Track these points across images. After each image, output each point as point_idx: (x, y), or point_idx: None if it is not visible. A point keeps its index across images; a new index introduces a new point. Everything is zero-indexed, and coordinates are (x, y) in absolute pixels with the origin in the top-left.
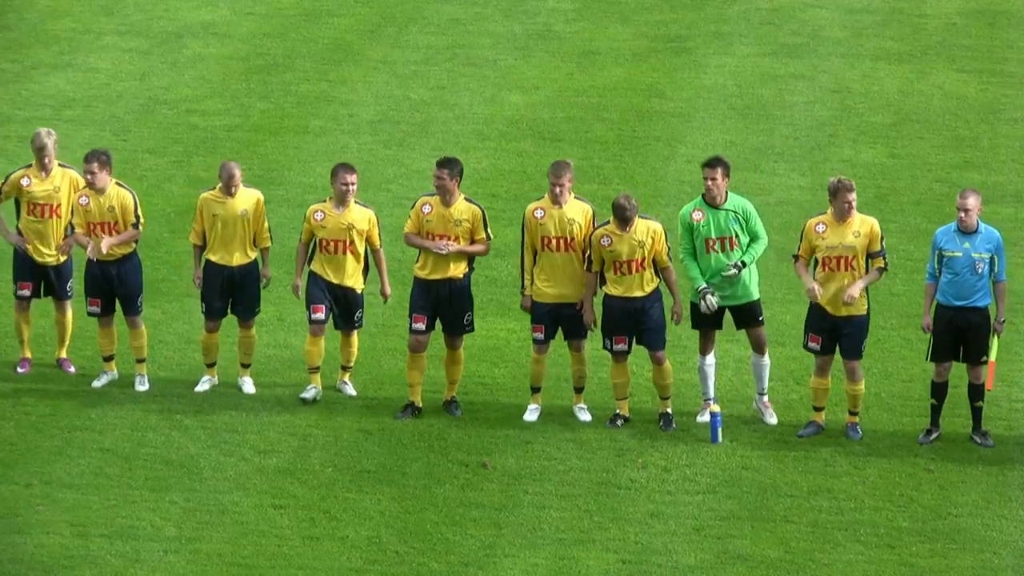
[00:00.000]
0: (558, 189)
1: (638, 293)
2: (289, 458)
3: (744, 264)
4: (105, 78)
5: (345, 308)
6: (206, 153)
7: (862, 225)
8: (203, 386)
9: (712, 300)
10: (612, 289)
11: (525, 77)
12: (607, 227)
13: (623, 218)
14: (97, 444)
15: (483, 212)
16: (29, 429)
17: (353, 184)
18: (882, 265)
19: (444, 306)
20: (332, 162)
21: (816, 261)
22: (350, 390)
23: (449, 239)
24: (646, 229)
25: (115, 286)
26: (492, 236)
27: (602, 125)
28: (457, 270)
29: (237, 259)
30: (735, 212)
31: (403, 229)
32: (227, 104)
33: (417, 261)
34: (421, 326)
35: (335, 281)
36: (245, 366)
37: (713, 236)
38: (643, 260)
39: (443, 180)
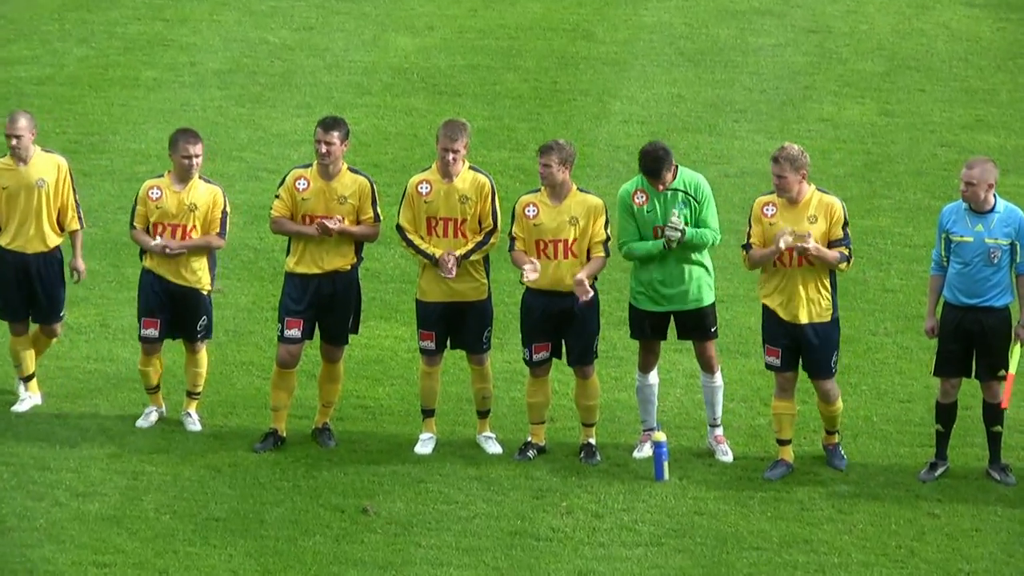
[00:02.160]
0: (450, 156)
1: (566, 287)
2: (115, 503)
3: (683, 234)
4: None
5: (186, 314)
6: (5, 112)
7: (819, 207)
8: (23, 405)
9: (676, 221)
10: (535, 281)
11: (415, 14)
12: (536, 195)
13: (542, 150)
14: None
15: (372, 185)
16: None
17: (198, 156)
18: (846, 252)
19: (325, 308)
20: (170, 124)
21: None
22: (194, 424)
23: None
24: (582, 201)
25: None
26: (381, 216)
27: (514, 75)
28: (344, 260)
29: (34, 245)
30: (684, 192)
31: (266, 210)
32: (35, 50)
33: (288, 251)
34: (296, 332)
35: (172, 280)
36: (24, 380)
37: (661, 223)
38: (574, 243)
39: (332, 145)
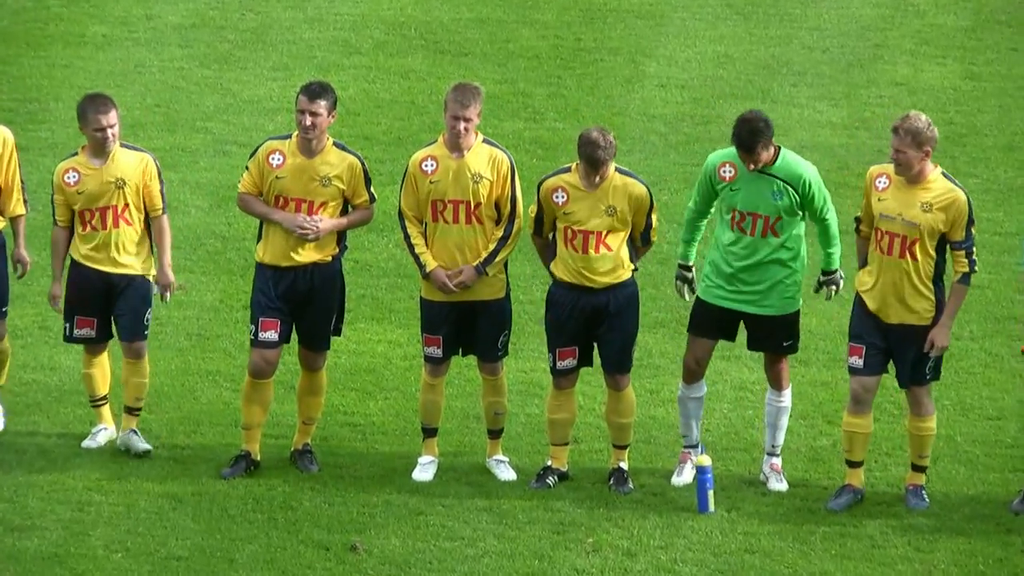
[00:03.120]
0: (460, 127)
1: (601, 278)
2: (57, 538)
3: (836, 272)
4: None
5: (125, 310)
6: None
7: (941, 196)
8: None
9: (686, 291)
10: (561, 271)
11: None
12: (566, 175)
13: (592, 161)
14: None
15: (363, 164)
16: None
17: (112, 127)
18: (966, 269)
19: (301, 306)
20: (122, 88)
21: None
22: (139, 443)
23: (313, 206)
24: (623, 187)
25: None
26: (376, 197)
27: (530, 31)
28: (323, 251)
29: None
30: (783, 181)
31: (235, 191)
32: None
33: (259, 238)
34: (272, 335)
35: (107, 270)
36: None
37: (741, 208)
38: (608, 233)
39: (317, 117)
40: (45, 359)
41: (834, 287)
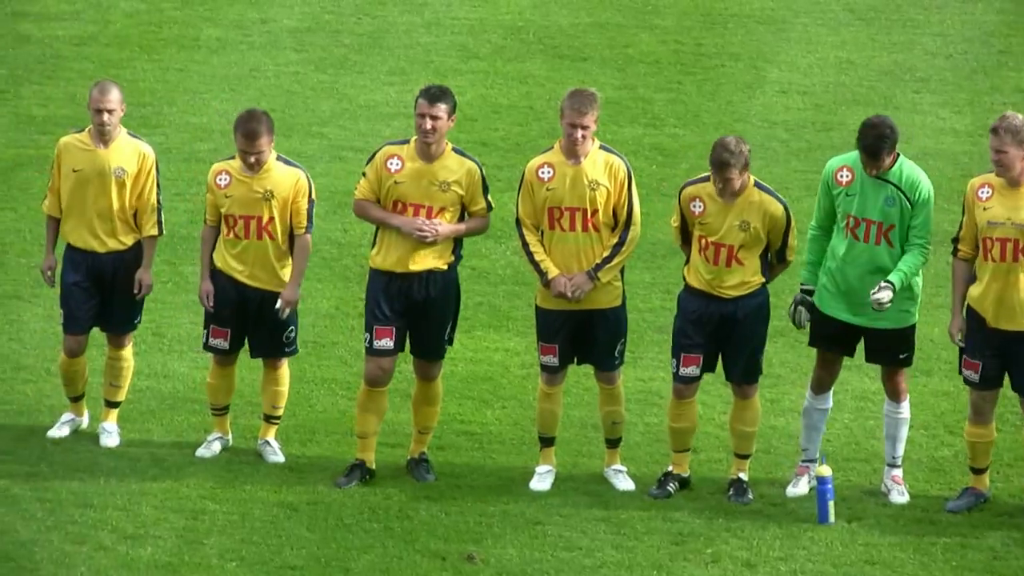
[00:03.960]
0: (577, 134)
1: (730, 291)
2: (171, 547)
3: (893, 286)
4: None
5: (263, 328)
6: (42, 79)
7: None
8: (60, 430)
9: (803, 317)
10: (693, 278)
11: None
12: (703, 185)
13: (717, 163)
14: None
15: (482, 171)
16: None
17: (260, 154)
18: None
19: (417, 314)
20: (236, 93)
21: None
22: (275, 454)
23: (432, 212)
24: (759, 204)
25: None
26: (493, 205)
27: (650, 36)
28: (439, 259)
29: (104, 243)
30: (896, 187)
31: (352, 197)
32: (75, 4)
33: (374, 244)
34: (387, 343)
35: (243, 281)
36: (111, 404)
37: (855, 214)
38: (741, 248)
39: (438, 120)
40: (159, 366)
41: (886, 304)
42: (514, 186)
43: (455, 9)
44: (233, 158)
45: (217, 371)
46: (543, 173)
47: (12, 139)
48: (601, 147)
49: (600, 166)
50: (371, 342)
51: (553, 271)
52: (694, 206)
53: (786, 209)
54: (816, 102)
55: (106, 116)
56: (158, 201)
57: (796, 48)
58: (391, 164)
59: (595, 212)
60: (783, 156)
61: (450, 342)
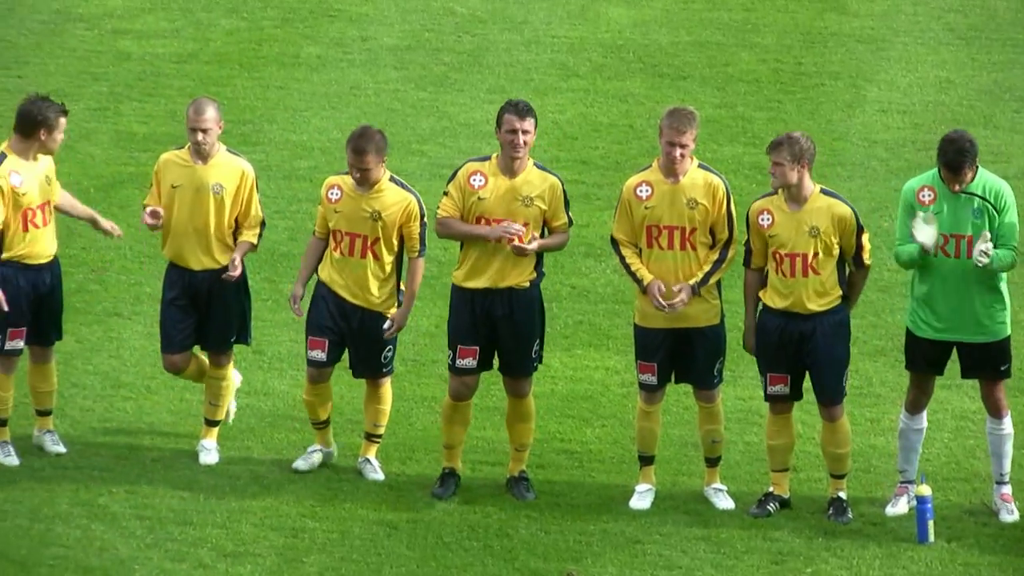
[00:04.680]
0: (676, 152)
1: (808, 306)
2: (271, 565)
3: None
4: None
5: (362, 346)
6: (143, 96)
7: None
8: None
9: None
10: (771, 299)
11: None
12: (772, 198)
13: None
14: None
15: (563, 185)
16: None
17: (368, 170)
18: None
19: (502, 332)
20: (336, 110)
21: None
22: (375, 472)
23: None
24: (826, 209)
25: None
26: (573, 220)
27: (750, 55)
28: (521, 275)
29: (200, 260)
30: (982, 199)
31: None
32: (175, 21)
33: (459, 262)
34: (470, 362)
35: (345, 297)
36: (210, 423)
37: (945, 232)
38: (815, 258)
39: (528, 135)
40: (259, 384)
41: (985, 259)
42: (613, 204)
43: (555, 27)
44: (348, 172)
45: (310, 388)
46: (641, 191)
47: (112, 156)
48: (700, 166)
49: (699, 185)
50: (454, 360)
51: (648, 277)
52: (762, 219)
53: (853, 210)
54: (915, 121)
55: (201, 136)
56: (261, 218)
57: (896, 67)
58: (474, 180)
59: (693, 231)
60: (882, 175)
61: (539, 360)
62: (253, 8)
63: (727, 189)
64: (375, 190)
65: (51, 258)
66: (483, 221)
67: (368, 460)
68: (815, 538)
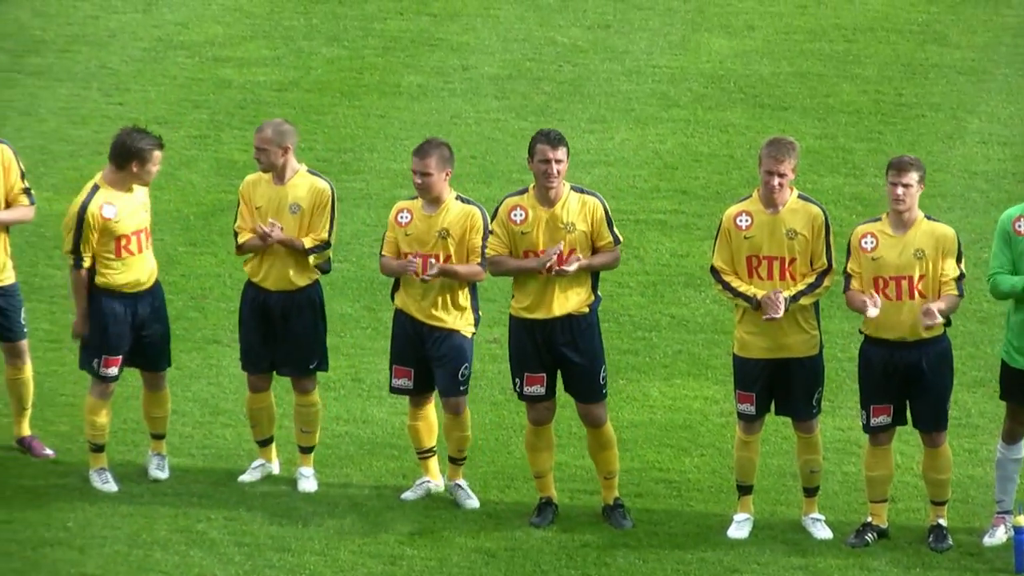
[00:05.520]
0: (775, 182)
1: (912, 336)
2: None
3: None
4: (92, 8)
5: (439, 366)
6: (244, 124)
7: None
8: (251, 474)
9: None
10: (872, 327)
11: (733, 11)
12: (876, 223)
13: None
14: (76, 568)
15: (604, 205)
16: None
17: (429, 176)
18: None
19: (567, 359)
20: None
21: None
22: (468, 498)
23: (562, 257)
24: (930, 232)
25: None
26: (621, 238)
27: (851, 86)
28: (579, 302)
29: (275, 281)
30: None
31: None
32: (276, 49)
33: (514, 295)
34: (539, 389)
35: (420, 319)
36: (305, 450)
37: None
38: (920, 280)
39: (560, 164)
40: (358, 411)
41: None
42: (712, 234)
43: (656, 57)
44: (416, 198)
45: (414, 412)
46: (741, 221)
47: (213, 184)
48: (799, 196)
49: (798, 215)
50: (521, 388)
51: (760, 292)
52: (865, 243)
53: (956, 235)
54: (1016, 153)
55: (260, 155)
56: (328, 238)
57: (997, 98)
58: (515, 215)
59: (793, 260)
60: (982, 207)
61: (604, 387)
62: (354, 37)
63: (826, 218)
64: (441, 209)
65: (150, 285)
66: (531, 254)
67: (459, 485)
68: (913, 568)
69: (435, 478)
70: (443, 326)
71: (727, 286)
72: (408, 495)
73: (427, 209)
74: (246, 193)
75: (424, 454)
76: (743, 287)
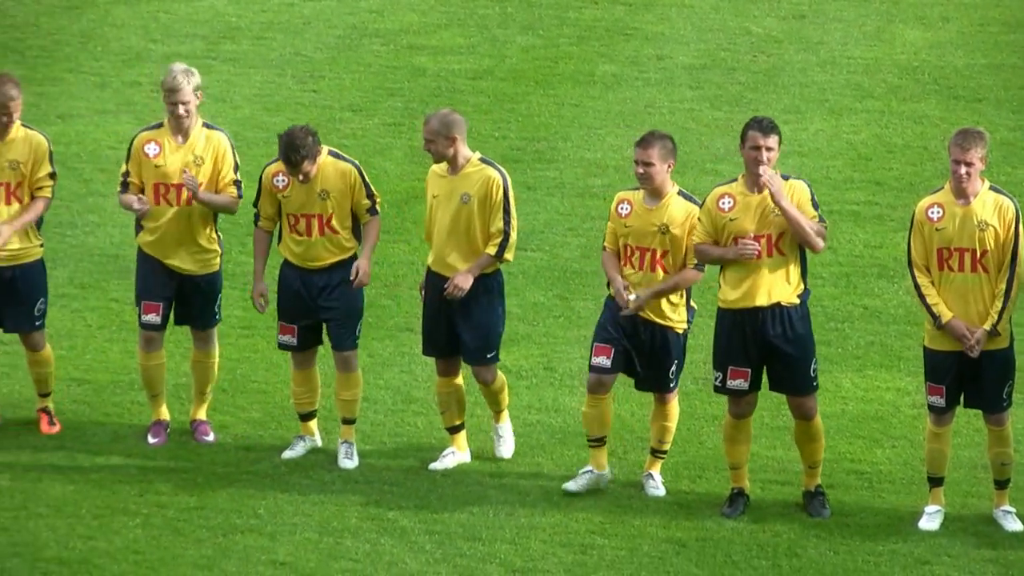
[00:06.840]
0: (962, 171)
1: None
2: None
3: None
4: None
5: (652, 358)
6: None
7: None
8: (443, 462)
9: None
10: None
11: (927, 3)
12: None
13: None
14: (267, 555)
15: (809, 186)
16: (164, 530)
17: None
18: None
19: (778, 350)
20: (631, 129)
21: None
22: (656, 488)
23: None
24: (994, 203)
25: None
26: (824, 219)
27: None
28: (789, 292)
29: (453, 269)
30: None
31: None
32: (471, 38)
33: (720, 286)
34: (742, 383)
35: (641, 315)
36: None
37: None
38: (984, 253)
39: (771, 152)
40: (550, 400)
41: None
42: (906, 225)
43: (851, 48)
44: (637, 188)
45: (590, 399)
46: (932, 213)
47: (407, 172)
48: (991, 187)
49: (990, 206)
50: (723, 382)
51: (947, 315)
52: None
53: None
54: None
55: (429, 146)
56: (505, 228)
57: None
58: (723, 203)
59: (984, 253)
60: None
61: (815, 377)
62: (549, 26)
63: (1018, 211)
64: (663, 203)
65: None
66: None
67: (651, 475)
68: None
69: (602, 468)
70: (662, 322)
71: (919, 291)
72: (569, 485)
73: (648, 202)
74: (427, 183)
75: (595, 443)
76: (932, 300)
